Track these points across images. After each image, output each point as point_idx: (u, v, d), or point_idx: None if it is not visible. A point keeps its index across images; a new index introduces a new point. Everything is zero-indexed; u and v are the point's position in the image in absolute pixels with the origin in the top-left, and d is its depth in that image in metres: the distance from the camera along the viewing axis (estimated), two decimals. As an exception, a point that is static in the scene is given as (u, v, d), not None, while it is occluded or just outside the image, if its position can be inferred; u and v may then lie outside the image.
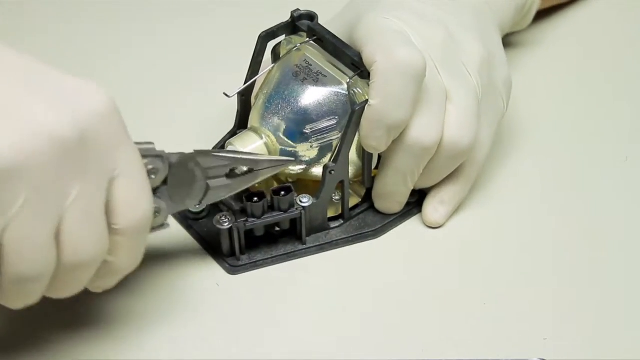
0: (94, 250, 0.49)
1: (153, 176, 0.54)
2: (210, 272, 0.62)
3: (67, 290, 0.51)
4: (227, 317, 0.60)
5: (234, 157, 0.58)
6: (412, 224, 0.65)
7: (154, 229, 0.55)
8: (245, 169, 0.58)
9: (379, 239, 0.64)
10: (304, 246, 0.63)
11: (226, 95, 0.63)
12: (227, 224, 0.61)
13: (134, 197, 0.50)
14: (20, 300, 0.50)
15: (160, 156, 0.54)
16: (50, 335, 0.58)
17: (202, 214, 0.65)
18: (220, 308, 0.60)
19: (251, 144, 0.62)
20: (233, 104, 0.64)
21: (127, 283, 0.61)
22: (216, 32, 0.81)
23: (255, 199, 0.60)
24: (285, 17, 0.64)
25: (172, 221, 0.65)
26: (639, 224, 0.64)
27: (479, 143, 0.64)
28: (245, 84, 0.64)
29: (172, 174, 0.55)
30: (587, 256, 0.62)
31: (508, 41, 0.76)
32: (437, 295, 0.61)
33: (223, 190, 0.58)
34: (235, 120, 0.66)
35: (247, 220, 0.61)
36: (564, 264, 0.62)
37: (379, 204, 0.65)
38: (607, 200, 0.66)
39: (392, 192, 0.64)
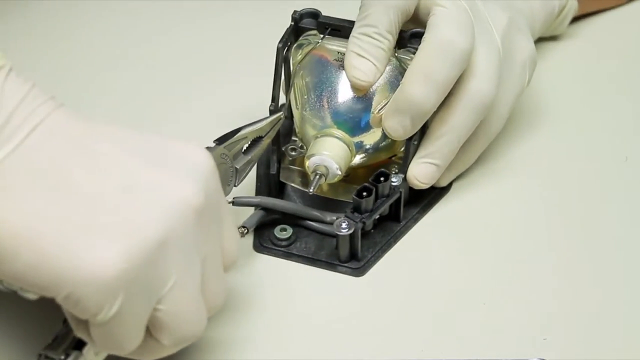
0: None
1: None
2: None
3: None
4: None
5: (244, 132, 0.59)
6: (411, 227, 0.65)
7: None
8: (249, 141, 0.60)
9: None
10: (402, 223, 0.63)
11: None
12: (346, 230, 0.59)
13: (236, 242, 0.52)
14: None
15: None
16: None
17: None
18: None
19: (332, 147, 0.61)
20: (251, 109, 0.65)
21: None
22: (227, 35, 0.80)
23: (365, 193, 0.60)
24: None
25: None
26: (639, 224, 0.64)
27: (495, 111, 0.63)
28: (272, 97, 0.63)
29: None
30: (587, 256, 0.62)
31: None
32: (437, 295, 0.61)
33: (247, 166, 0.60)
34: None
35: (362, 217, 0.60)
36: (564, 264, 0.62)
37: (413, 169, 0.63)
38: (607, 200, 0.66)
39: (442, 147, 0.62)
